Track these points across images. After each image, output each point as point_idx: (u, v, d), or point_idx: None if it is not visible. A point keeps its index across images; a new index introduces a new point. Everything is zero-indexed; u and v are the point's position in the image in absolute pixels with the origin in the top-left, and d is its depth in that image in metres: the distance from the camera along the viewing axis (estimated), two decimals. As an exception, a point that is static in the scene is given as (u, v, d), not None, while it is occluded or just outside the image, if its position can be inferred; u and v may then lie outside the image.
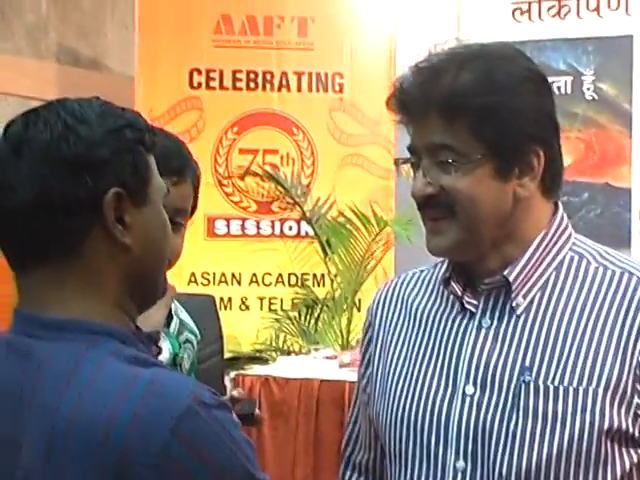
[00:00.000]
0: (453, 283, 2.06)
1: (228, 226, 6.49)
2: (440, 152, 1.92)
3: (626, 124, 5.92)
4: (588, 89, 6.05)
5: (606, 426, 1.87)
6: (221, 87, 6.26)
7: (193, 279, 6.48)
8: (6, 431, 1.67)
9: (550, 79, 5.68)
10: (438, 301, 2.13)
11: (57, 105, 1.69)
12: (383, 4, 6.32)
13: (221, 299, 6.26)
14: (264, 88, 6.33)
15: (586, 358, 1.90)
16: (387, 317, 2.21)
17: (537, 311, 1.98)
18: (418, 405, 2.03)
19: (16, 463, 1.64)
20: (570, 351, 1.92)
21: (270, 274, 6.53)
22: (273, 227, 6.47)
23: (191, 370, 2.52)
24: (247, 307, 6.50)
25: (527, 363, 1.93)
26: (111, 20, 6.93)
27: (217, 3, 6.23)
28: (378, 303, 2.26)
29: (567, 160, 5.90)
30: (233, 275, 6.46)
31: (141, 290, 1.76)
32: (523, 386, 1.92)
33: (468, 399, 1.97)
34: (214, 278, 6.42)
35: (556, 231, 2.01)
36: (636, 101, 5.98)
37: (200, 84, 6.33)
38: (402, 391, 2.09)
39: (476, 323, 2.02)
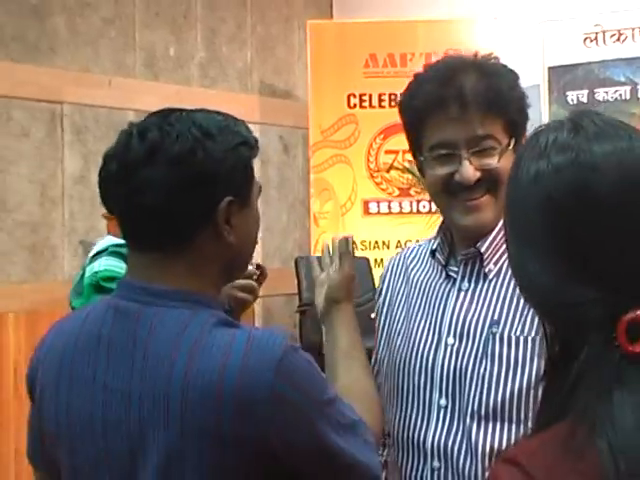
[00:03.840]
0: (438, 255, 2.05)
1: (378, 206, 6.65)
2: (482, 142, 1.89)
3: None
4: (642, 95, 6.14)
5: None
6: (370, 106, 6.52)
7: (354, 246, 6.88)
8: (119, 384, 1.60)
9: (614, 88, 6.49)
10: (430, 270, 2.09)
11: (188, 118, 1.62)
12: (486, 38, 6.36)
13: (375, 260, 6.50)
14: None
15: None
16: (393, 283, 2.18)
17: (505, 275, 1.94)
18: (412, 354, 2.01)
19: (128, 413, 1.58)
20: (530, 307, 1.78)
21: (410, 240, 6.49)
22: (411, 206, 6.56)
23: None
24: (394, 266, 6.81)
25: (495, 317, 1.91)
26: (297, 62, 7.32)
27: (366, 45, 6.50)
28: (387, 272, 2.24)
29: (628, 149, 6.45)
30: (383, 242, 6.63)
31: (233, 272, 1.74)
32: (491, 337, 1.89)
33: (449, 348, 1.95)
34: (370, 245, 6.63)
35: None
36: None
37: (355, 105, 6.57)
38: (400, 343, 2.06)
39: (457, 287, 2.00)
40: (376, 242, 6.73)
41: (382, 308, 2.20)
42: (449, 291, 2.01)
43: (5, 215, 5.49)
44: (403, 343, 2.05)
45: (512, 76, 1.93)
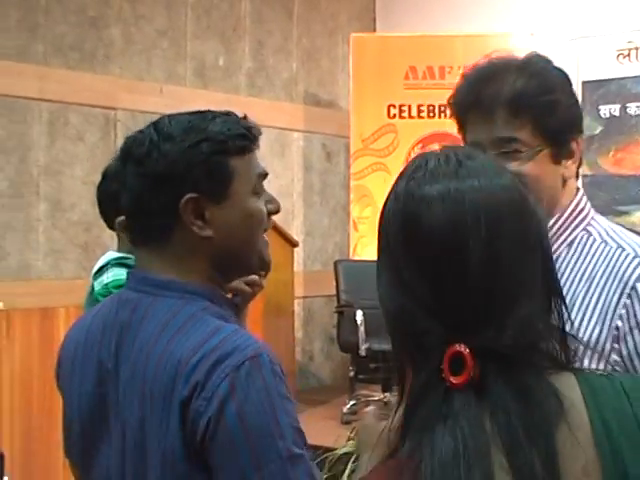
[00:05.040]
0: None
1: (415, 213, 6.97)
2: (506, 144, 1.76)
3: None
4: (672, 108, 6.14)
5: None
6: (409, 116, 6.61)
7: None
8: (112, 367, 1.63)
9: (644, 102, 6.06)
10: None
11: (155, 123, 1.63)
12: (522, 53, 6.64)
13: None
14: (439, 116, 6.56)
15: (575, 320, 1.72)
16: None
17: None
18: None
19: (116, 386, 1.61)
20: None
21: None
22: (447, 213, 6.78)
23: None
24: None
25: None
26: (341, 73, 7.39)
27: (406, 58, 6.59)
28: None
29: (654, 159, 6.25)
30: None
31: (228, 266, 1.68)
32: None
33: None
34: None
35: (571, 213, 1.84)
36: None
37: (395, 115, 6.67)
38: None
39: None
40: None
41: None
42: None
43: (60, 214, 5.60)
44: None
45: (553, 80, 1.79)
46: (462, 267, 1.14)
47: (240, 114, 1.68)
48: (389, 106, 6.67)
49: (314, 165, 7.27)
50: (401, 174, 1.25)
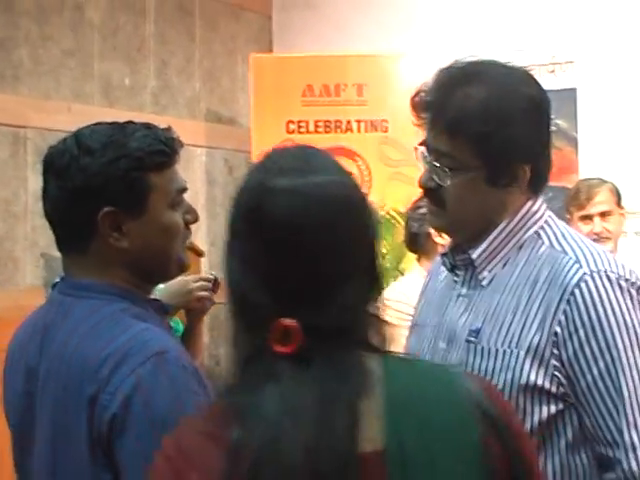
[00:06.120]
0: (445, 258, 1.91)
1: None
2: (442, 158, 1.75)
3: (574, 146, 6.19)
4: (549, 124, 6.56)
5: (523, 382, 1.67)
6: (307, 131, 6.65)
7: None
8: (32, 362, 1.62)
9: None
10: (448, 273, 1.95)
11: (76, 135, 1.63)
12: (412, 69, 6.36)
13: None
14: (335, 131, 6.67)
15: (517, 325, 1.71)
16: (430, 283, 2.06)
17: (497, 283, 1.79)
18: (418, 353, 1.90)
19: (35, 386, 1.61)
20: (507, 318, 1.73)
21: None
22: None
23: None
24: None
25: (477, 327, 1.76)
26: (241, 91, 7.47)
27: (303, 77, 6.66)
28: (429, 272, 2.11)
29: (537, 171, 6.61)
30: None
31: (145, 273, 1.66)
32: (468, 346, 1.76)
33: (442, 352, 1.83)
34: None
35: (523, 216, 1.80)
36: (580, 131, 6.16)
37: (294, 130, 6.70)
38: (412, 342, 1.99)
39: (457, 292, 1.87)
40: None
41: (417, 308, 2.09)
42: (452, 295, 1.90)
43: (-29, 230, 5.56)
44: (413, 343, 1.99)
45: (493, 111, 1.73)
46: (301, 252, 1.27)
47: (164, 125, 1.68)
48: (288, 122, 6.74)
49: (216, 179, 7.34)
50: (255, 168, 1.39)
